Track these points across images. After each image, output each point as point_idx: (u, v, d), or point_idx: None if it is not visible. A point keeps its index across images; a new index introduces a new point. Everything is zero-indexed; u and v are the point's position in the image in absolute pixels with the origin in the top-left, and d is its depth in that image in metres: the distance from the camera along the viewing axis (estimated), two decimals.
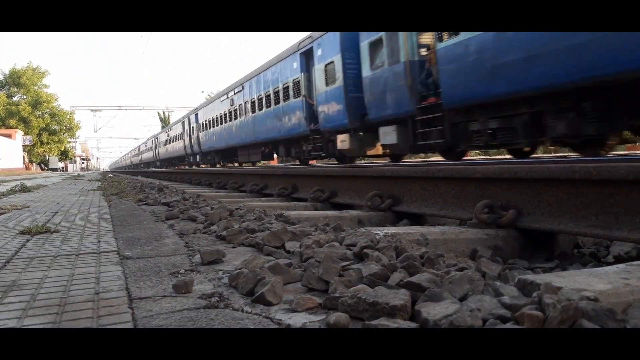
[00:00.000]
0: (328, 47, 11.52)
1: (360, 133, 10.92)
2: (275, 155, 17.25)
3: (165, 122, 65.90)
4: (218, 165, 22.96)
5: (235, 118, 18.96)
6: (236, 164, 20.64)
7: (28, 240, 2.72)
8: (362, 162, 15.75)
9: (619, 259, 2.35)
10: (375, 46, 9.78)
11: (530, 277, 1.38)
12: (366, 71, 10.04)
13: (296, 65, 13.27)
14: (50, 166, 55.23)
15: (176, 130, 32.25)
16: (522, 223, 2.48)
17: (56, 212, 4.42)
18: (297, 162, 14.63)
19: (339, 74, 10.93)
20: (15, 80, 49.96)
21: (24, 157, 48.56)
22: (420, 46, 8.62)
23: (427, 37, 8.51)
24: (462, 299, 1.31)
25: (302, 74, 13.01)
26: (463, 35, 7.21)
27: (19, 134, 46.44)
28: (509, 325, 1.07)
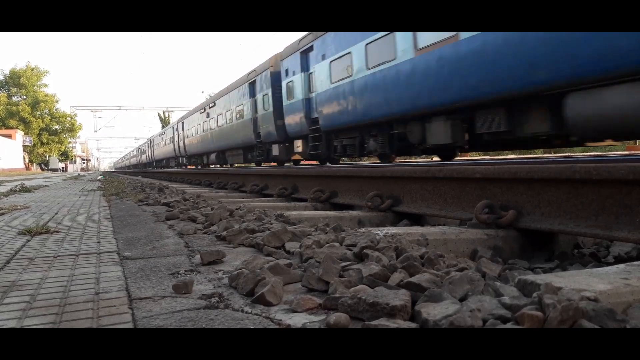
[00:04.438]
0: (264, 82, 15.72)
1: (286, 144, 15.11)
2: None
3: (165, 122, 65.96)
4: (200, 166, 26.78)
5: (210, 129, 23.18)
6: (218, 165, 24.12)
7: (28, 241, 2.72)
8: (362, 162, 16.58)
9: (619, 259, 2.34)
10: (289, 86, 13.85)
11: (530, 277, 1.38)
12: (285, 102, 14.17)
13: (246, 92, 17.48)
14: (51, 166, 55.22)
15: (168, 135, 36.66)
16: (522, 223, 2.48)
17: (56, 213, 4.42)
18: (254, 164, 18.84)
19: (270, 103, 15.19)
20: (15, 80, 49.98)
21: (24, 158, 48.56)
22: (312, 89, 12.75)
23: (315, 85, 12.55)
24: (462, 299, 1.31)
25: (250, 99, 17.14)
26: (330, 86, 11.28)
27: (19, 134, 46.43)
28: (509, 326, 1.07)
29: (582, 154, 16.22)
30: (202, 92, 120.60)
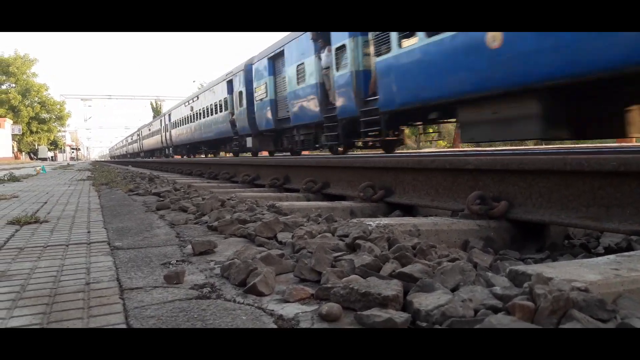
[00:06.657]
0: (239, 81, 18.09)
1: (257, 137, 17.46)
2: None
3: (156, 111, 65.39)
4: (185, 156, 29.17)
5: (192, 121, 25.94)
6: (203, 155, 26.98)
7: (17, 231, 2.69)
8: (354, 152, 17.06)
9: (609, 250, 2.37)
10: (258, 87, 16.70)
11: (521, 267, 1.39)
12: (255, 99, 16.90)
13: (225, 89, 19.89)
14: (40, 155, 54.69)
15: (156, 126, 38.99)
16: (514, 214, 2.49)
17: (45, 202, 4.38)
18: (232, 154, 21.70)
19: (245, 100, 17.35)
20: (4, 68, 49.29)
21: (13, 146, 48.02)
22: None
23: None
24: (454, 289, 1.31)
25: (228, 95, 19.46)
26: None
27: (8, 122, 45.88)
28: (500, 316, 1.07)
29: (574, 145, 16.34)
30: (194, 81, 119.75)
